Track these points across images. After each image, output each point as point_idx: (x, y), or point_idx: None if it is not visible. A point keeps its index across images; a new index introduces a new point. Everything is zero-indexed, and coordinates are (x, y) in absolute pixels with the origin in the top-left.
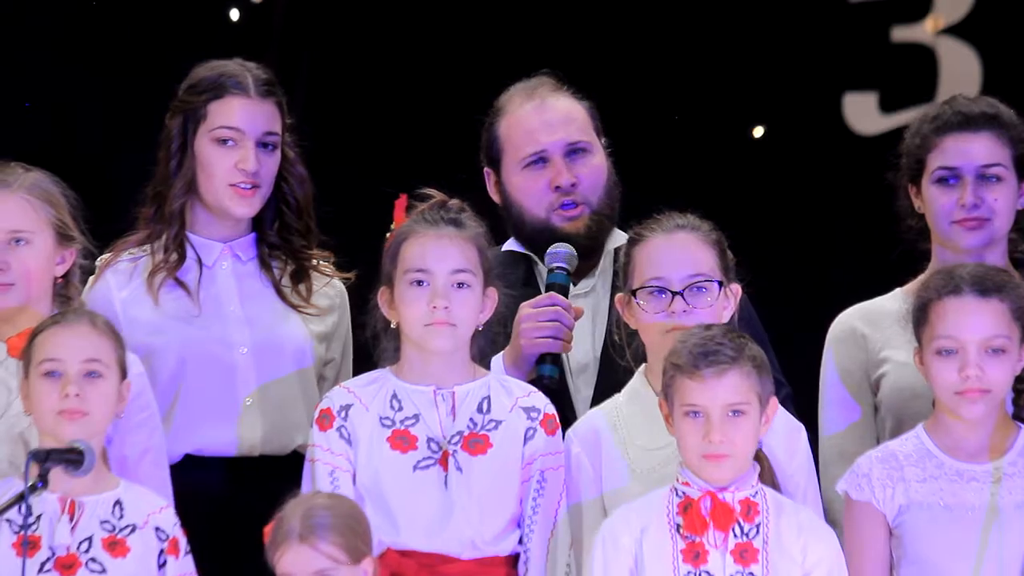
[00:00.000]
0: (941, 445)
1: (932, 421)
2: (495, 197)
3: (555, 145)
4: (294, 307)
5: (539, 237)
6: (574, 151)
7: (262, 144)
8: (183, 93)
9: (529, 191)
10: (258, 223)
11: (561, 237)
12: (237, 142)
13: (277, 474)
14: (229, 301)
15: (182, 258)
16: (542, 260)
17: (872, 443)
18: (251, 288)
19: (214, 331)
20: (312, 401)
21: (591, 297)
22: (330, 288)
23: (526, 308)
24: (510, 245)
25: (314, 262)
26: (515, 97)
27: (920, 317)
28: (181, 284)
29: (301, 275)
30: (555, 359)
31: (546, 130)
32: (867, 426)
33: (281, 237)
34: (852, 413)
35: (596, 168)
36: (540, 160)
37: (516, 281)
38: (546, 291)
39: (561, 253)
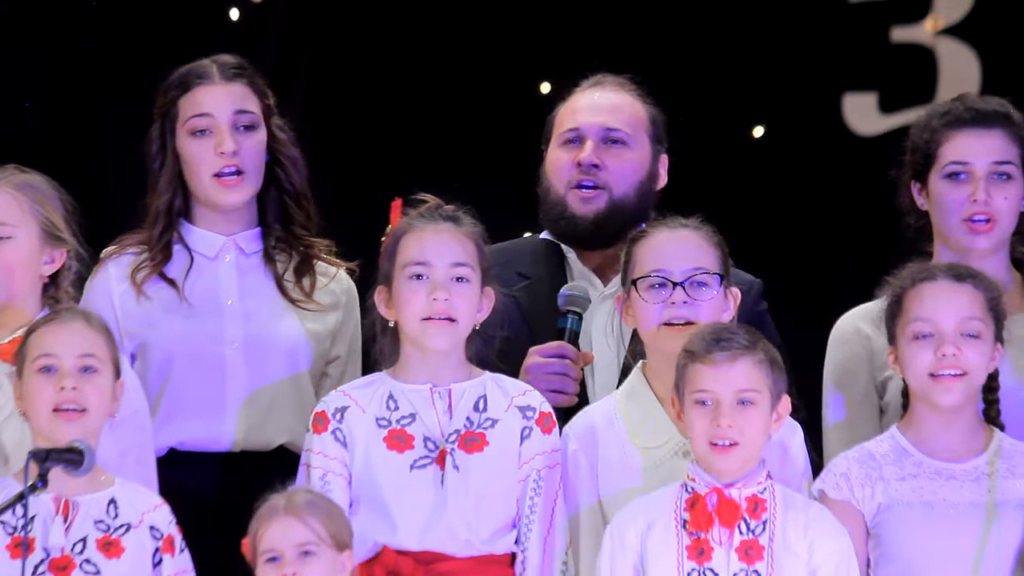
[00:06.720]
0: (916, 444)
1: (906, 420)
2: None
3: (591, 127)
4: (294, 302)
5: (554, 214)
6: (610, 139)
7: (238, 126)
8: (157, 99)
9: (556, 166)
10: (262, 216)
11: (570, 218)
12: (210, 128)
13: (261, 470)
14: (228, 295)
15: (167, 257)
16: (558, 239)
17: None
18: (252, 282)
19: (207, 326)
20: (303, 400)
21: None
22: (336, 284)
23: (534, 357)
24: (545, 234)
25: (317, 251)
26: (582, 85)
27: (894, 309)
28: (168, 280)
29: (305, 268)
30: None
31: (588, 111)
32: (871, 426)
33: (285, 228)
34: (856, 414)
35: (628, 161)
36: (575, 139)
37: (547, 269)
38: (556, 337)
39: (572, 296)
